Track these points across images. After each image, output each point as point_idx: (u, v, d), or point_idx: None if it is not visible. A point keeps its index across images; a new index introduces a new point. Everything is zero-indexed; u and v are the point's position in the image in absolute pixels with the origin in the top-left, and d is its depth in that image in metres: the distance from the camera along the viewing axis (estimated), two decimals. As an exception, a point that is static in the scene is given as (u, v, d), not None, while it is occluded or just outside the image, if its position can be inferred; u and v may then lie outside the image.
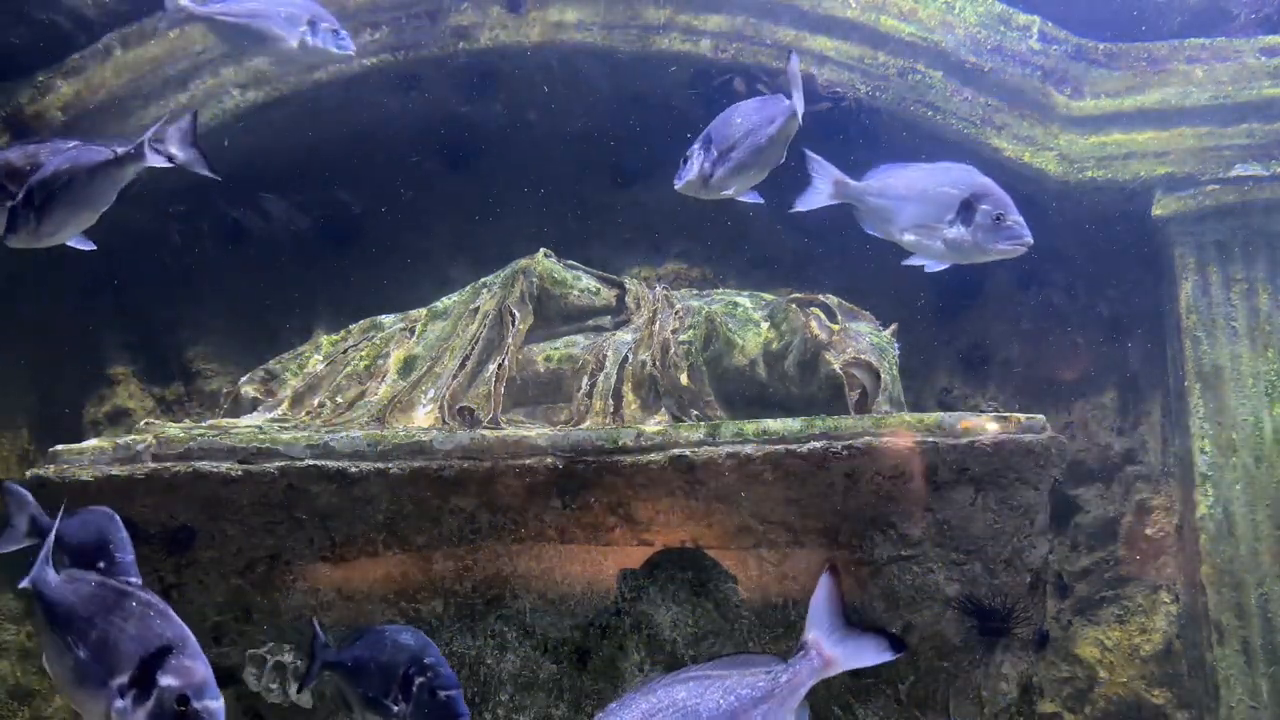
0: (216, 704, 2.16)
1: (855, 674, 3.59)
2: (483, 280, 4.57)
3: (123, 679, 2.15)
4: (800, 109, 3.33)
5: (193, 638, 2.23)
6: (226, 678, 3.55)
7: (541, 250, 4.60)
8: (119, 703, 2.14)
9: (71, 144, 3.28)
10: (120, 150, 3.28)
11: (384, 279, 5.47)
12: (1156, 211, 4.88)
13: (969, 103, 4.96)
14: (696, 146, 3.43)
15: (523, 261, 4.52)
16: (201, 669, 2.18)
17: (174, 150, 3.28)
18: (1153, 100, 4.89)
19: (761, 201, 3.53)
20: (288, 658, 3.52)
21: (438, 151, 5.41)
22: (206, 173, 3.35)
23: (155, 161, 3.35)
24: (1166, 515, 5.07)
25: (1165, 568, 5.04)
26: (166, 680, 2.15)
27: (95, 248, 3.36)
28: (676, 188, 3.47)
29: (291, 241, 5.48)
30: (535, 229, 5.39)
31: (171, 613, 2.23)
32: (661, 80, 5.10)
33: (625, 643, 3.58)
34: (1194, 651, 4.87)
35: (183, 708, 2.13)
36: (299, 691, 3.08)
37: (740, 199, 3.49)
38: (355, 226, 5.50)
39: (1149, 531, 5.08)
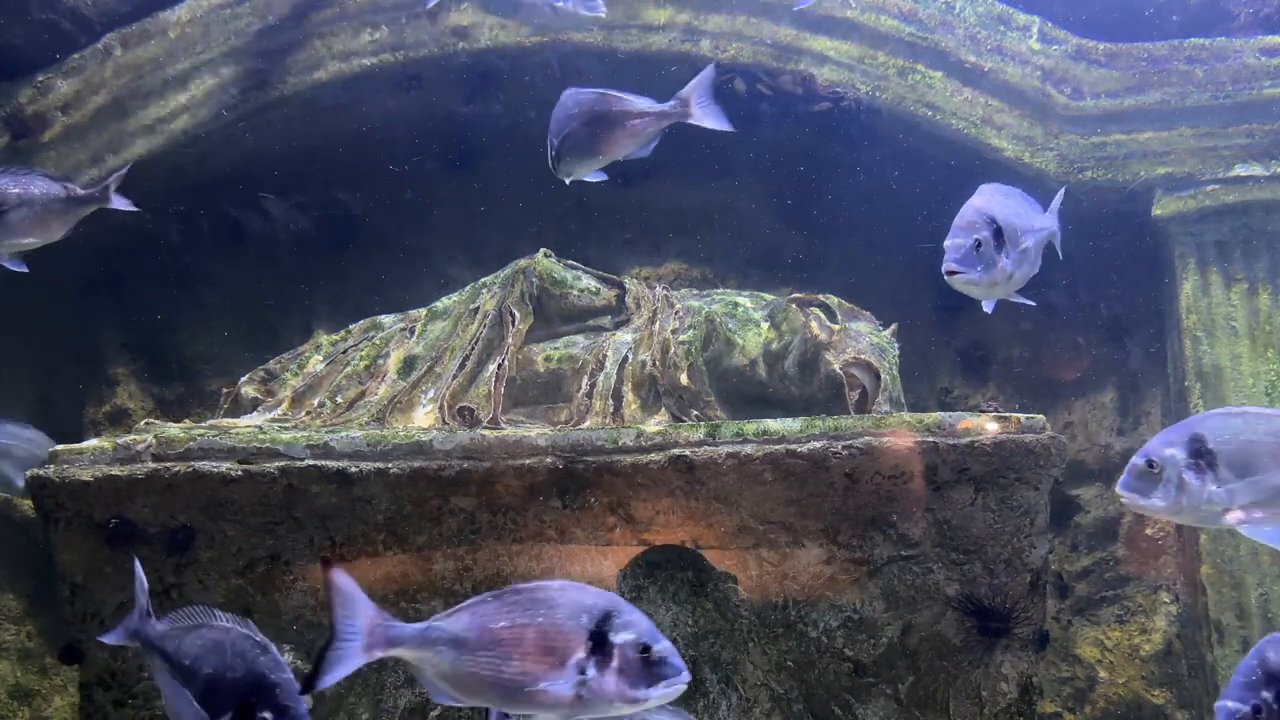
0: (669, 644, 2.39)
1: (855, 672, 3.59)
2: (483, 280, 4.57)
3: (580, 655, 2.35)
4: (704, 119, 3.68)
5: (620, 599, 2.46)
6: (226, 678, 3.55)
7: (541, 250, 4.60)
8: (590, 674, 2.35)
9: (33, 173, 3.42)
10: (83, 191, 3.46)
11: (384, 279, 5.47)
12: (1156, 211, 4.88)
13: (969, 103, 4.96)
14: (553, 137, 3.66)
15: (523, 261, 4.52)
16: (643, 618, 2.40)
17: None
18: (1153, 100, 4.89)
19: (605, 178, 3.75)
20: (288, 658, 3.52)
21: (438, 151, 5.41)
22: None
23: (120, 204, 3.54)
24: (1166, 515, 5.06)
25: (1165, 568, 5.04)
26: (621, 638, 2.36)
27: (28, 270, 3.51)
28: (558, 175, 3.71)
29: (291, 241, 5.48)
30: (535, 229, 5.39)
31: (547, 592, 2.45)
32: (662, 80, 5.09)
33: (625, 643, 3.57)
34: (1194, 651, 4.87)
35: (645, 654, 2.35)
36: None
37: (586, 179, 3.77)
38: (355, 226, 5.50)
39: (1149, 531, 5.08)
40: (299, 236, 5.48)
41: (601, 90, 3.68)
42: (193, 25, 5.02)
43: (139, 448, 3.57)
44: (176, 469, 3.50)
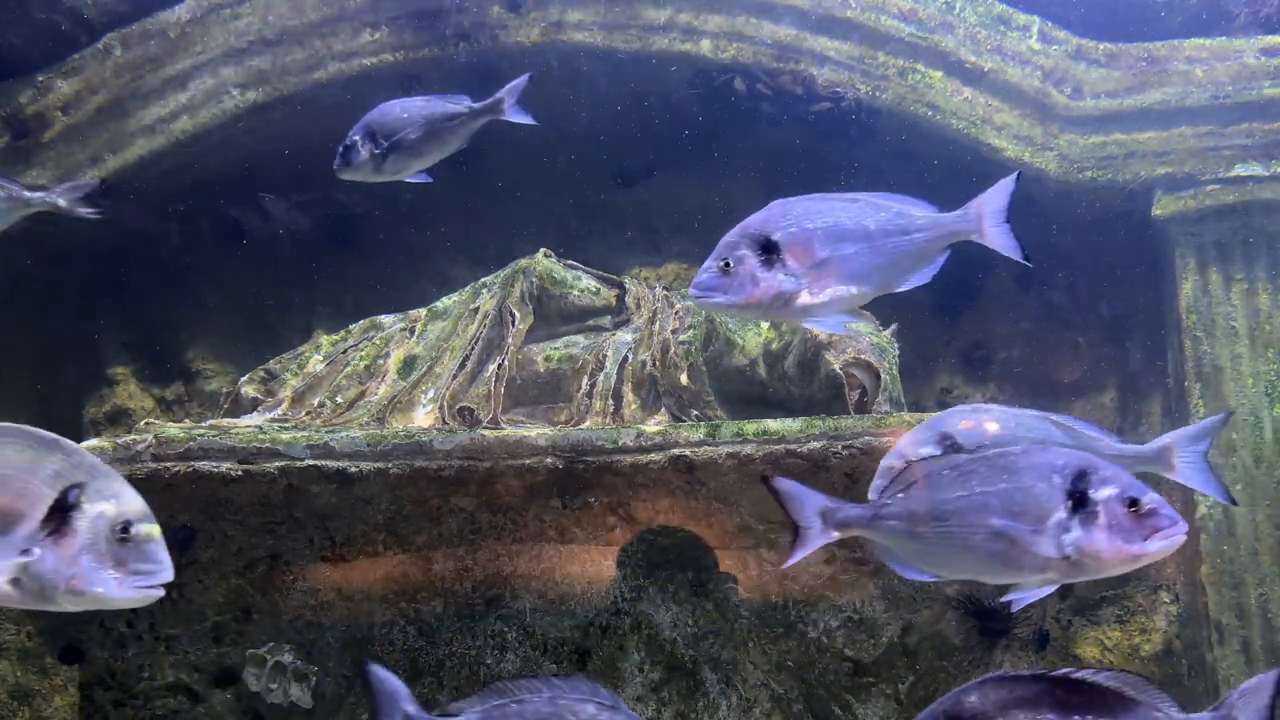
0: (1156, 494, 2.29)
1: (855, 672, 3.59)
2: (483, 280, 4.57)
3: (1060, 516, 2.28)
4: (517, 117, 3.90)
5: (1090, 455, 2.38)
6: (226, 678, 3.56)
7: (541, 250, 4.60)
8: (1076, 534, 2.27)
9: None
10: (27, 193, 3.58)
11: (384, 279, 5.47)
12: (1156, 211, 4.88)
13: (969, 103, 4.95)
14: (358, 136, 3.73)
15: (523, 261, 4.52)
16: (1121, 471, 2.30)
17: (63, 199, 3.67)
18: (1153, 100, 4.89)
19: (431, 180, 3.87)
20: (288, 658, 3.52)
21: (437, 151, 5.41)
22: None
23: (81, 211, 3.67)
24: (1166, 515, 5.06)
25: (1165, 568, 5.04)
26: (1103, 493, 2.27)
27: None
28: (340, 175, 3.78)
29: (291, 241, 5.48)
30: (535, 229, 5.39)
31: None
32: (662, 80, 5.10)
33: (625, 643, 3.58)
34: (1194, 651, 4.87)
35: (1133, 507, 2.25)
36: None
37: (409, 180, 3.87)
38: (355, 226, 5.50)
39: (1149, 531, 5.07)
40: (299, 236, 5.48)
41: (424, 96, 3.89)
42: (193, 25, 5.02)
43: (139, 448, 3.57)
44: (176, 469, 3.50)
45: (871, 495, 2.71)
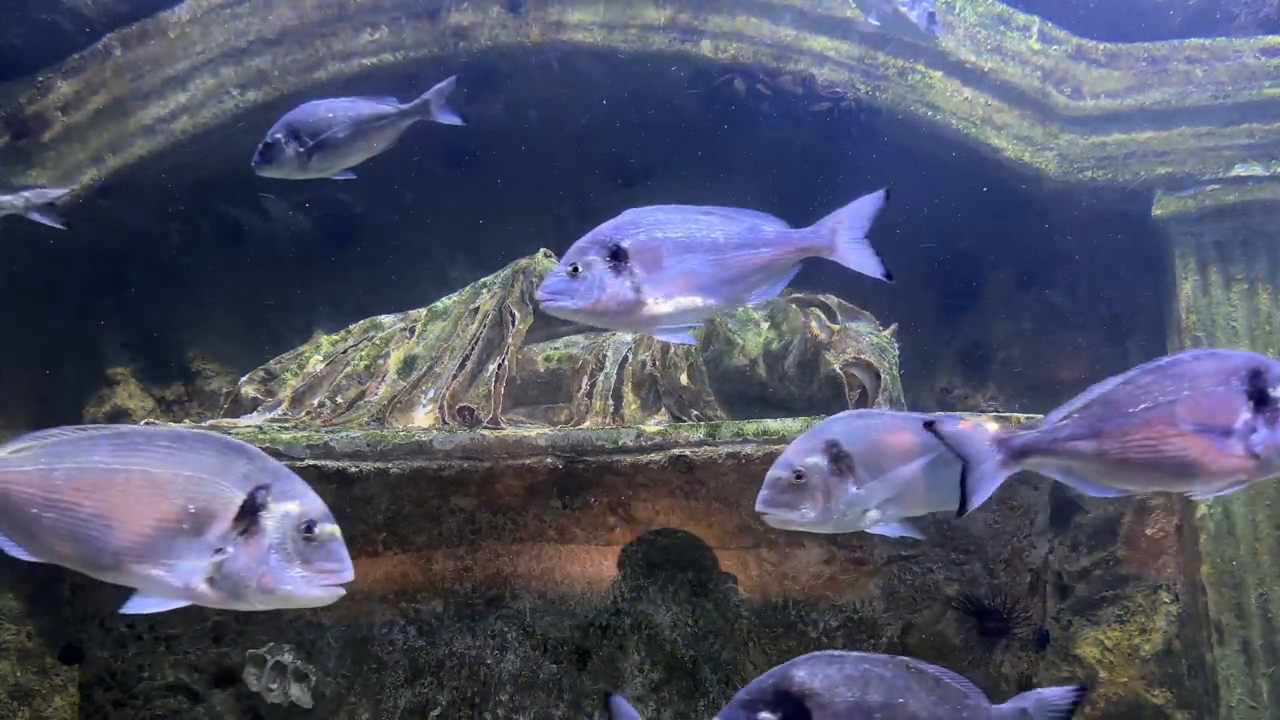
0: None
1: (855, 674, 3.59)
2: (483, 280, 4.57)
3: (1246, 416, 2.31)
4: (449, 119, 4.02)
5: (1259, 356, 2.40)
6: (226, 678, 3.56)
7: (541, 250, 4.60)
8: (1262, 432, 2.31)
9: None
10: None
11: (384, 279, 5.47)
12: (1156, 211, 4.88)
13: (969, 103, 4.95)
14: (280, 134, 3.77)
15: (523, 261, 4.52)
16: None
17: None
18: (1153, 100, 4.89)
19: (355, 177, 3.93)
20: (288, 658, 3.52)
21: (438, 151, 5.42)
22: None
23: (42, 219, 3.98)
24: (1166, 515, 5.07)
25: (1165, 568, 5.04)
26: None
27: None
28: (260, 173, 3.82)
29: (291, 241, 5.48)
30: (535, 229, 5.39)
31: None
32: (662, 80, 5.10)
33: (625, 643, 3.58)
34: (1194, 651, 4.87)
35: None
36: None
37: (336, 177, 3.93)
38: (355, 226, 5.50)
39: (1149, 531, 5.08)
40: (299, 236, 5.48)
41: (348, 98, 3.95)
42: (193, 25, 5.02)
43: (139, 448, 3.56)
44: (176, 469, 3.49)
45: (762, 506, 2.70)
